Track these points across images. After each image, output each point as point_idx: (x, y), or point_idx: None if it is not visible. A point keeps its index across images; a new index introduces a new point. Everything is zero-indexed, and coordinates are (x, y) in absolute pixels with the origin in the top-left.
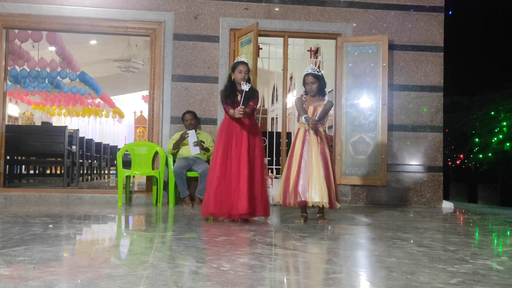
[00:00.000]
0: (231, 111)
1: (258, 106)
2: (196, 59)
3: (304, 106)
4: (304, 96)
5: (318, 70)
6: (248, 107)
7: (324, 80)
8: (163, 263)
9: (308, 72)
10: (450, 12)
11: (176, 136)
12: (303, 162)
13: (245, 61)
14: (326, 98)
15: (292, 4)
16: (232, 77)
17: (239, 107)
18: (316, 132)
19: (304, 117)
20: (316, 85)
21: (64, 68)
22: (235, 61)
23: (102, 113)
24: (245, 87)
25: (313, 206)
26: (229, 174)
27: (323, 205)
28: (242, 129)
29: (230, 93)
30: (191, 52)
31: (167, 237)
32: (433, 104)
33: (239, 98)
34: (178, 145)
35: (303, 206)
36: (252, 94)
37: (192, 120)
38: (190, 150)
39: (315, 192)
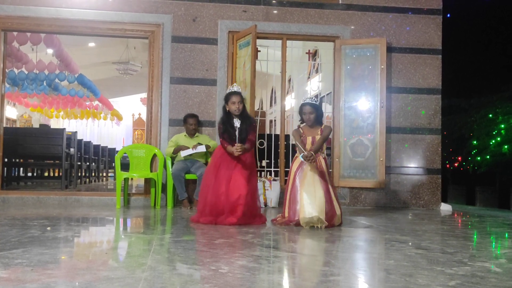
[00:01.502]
0: (229, 148)
1: (256, 108)
2: (195, 62)
3: (302, 138)
4: (301, 127)
5: (315, 99)
6: (247, 142)
7: (322, 109)
8: (162, 265)
9: (305, 102)
10: (449, 15)
11: (176, 139)
12: (296, 185)
13: (238, 90)
14: (324, 123)
15: (290, 6)
16: (227, 108)
17: (236, 145)
18: (316, 164)
19: (302, 156)
20: (313, 115)
21: (62, 71)
22: (227, 92)
23: (100, 115)
24: (237, 123)
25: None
26: (221, 195)
27: (319, 225)
28: (236, 163)
29: (227, 128)
30: (189, 54)
31: (166, 240)
32: (431, 107)
33: (236, 132)
34: (178, 151)
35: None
36: (250, 126)
37: (195, 125)
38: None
39: (308, 207)
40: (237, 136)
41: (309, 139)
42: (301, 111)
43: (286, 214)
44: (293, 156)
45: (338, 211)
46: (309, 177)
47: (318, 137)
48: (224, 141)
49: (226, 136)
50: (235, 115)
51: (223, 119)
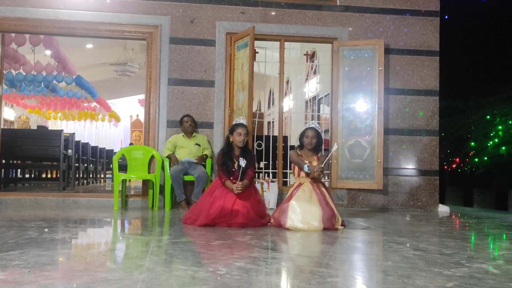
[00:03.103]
0: (228, 183)
1: (255, 109)
2: (193, 63)
3: (300, 158)
4: (298, 150)
5: (318, 127)
6: (247, 177)
7: (322, 138)
8: (159, 267)
9: (310, 126)
10: (446, 17)
11: (174, 140)
12: (291, 199)
13: (244, 122)
14: (320, 153)
15: (288, 8)
16: (231, 139)
17: (237, 184)
18: (320, 180)
19: (307, 166)
20: (316, 140)
21: (60, 72)
22: (233, 123)
23: (98, 117)
24: (242, 162)
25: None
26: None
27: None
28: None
29: (226, 160)
30: (187, 56)
31: (163, 241)
32: (429, 108)
33: (236, 166)
34: (170, 159)
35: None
36: (249, 160)
37: (192, 122)
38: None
39: (298, 219)
40: (240, 173)
41: (306, 163)
42: (303, 134)
43: (272, 220)
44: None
45: (339, 224)
46: (308, 194)
47: (315, 163)
48: (223, 175)
49: (224, 169)
50: (238, 147)
51: (223, 150)
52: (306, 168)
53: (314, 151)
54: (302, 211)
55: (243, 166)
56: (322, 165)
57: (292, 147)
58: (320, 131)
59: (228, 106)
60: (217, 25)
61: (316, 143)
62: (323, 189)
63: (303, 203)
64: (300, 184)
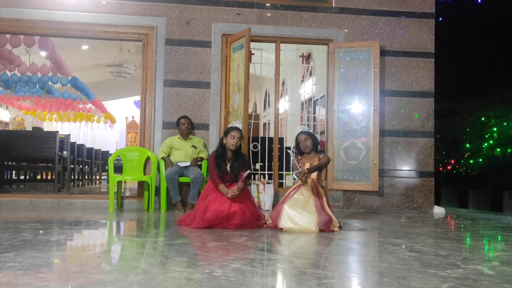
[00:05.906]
0: (222, 187)
1: (250, 111)
2: (188, 64)
3: (300, 164)
4: (299, 156)
5: (307, 128)
6: (240, 178)
7: (316, 137)
8: (155, 268)
9: (299, 131)
10: (441, 19)
11: (170, 141)
12: (286, 202)
13: (239, 126)
14: (323, 154)
15: (284, 9)
16: (224, 141)
17: (233, 189)
18: (308, 183)
19: (295, 173)
20: (309, 141)
21: (56, 73)
22: (229, 126)
23: (94, 118)
24: (245, 173)
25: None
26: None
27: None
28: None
29: (220, 162)
30: (183, 57)
31: (159, 243)
32: (424, 110)
33: (228, 168)
34: (165, 162)
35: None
36: (242, 163)
37: (188, 124)
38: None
39: (290, 221)
40: (229, 172)
41: (307, 165)
42: (297, 142)
43: (270, 221)
44: (286, 158)
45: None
46: (305, 199)
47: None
48: (216, 177)
49: (218, 173)
50: (230, 150)
51: (218, 151)
52: (294, 174)
53: (315, 152)
54: (297, 218)
55: (246, 175)
56: (305, 168)
57: (288, 149)
58: (310, 130)
59: (224, 107)
60: (212, 27)
61: (312, 144)
62: (321, 192)
63: (298, 209)
64: (300, 185)
